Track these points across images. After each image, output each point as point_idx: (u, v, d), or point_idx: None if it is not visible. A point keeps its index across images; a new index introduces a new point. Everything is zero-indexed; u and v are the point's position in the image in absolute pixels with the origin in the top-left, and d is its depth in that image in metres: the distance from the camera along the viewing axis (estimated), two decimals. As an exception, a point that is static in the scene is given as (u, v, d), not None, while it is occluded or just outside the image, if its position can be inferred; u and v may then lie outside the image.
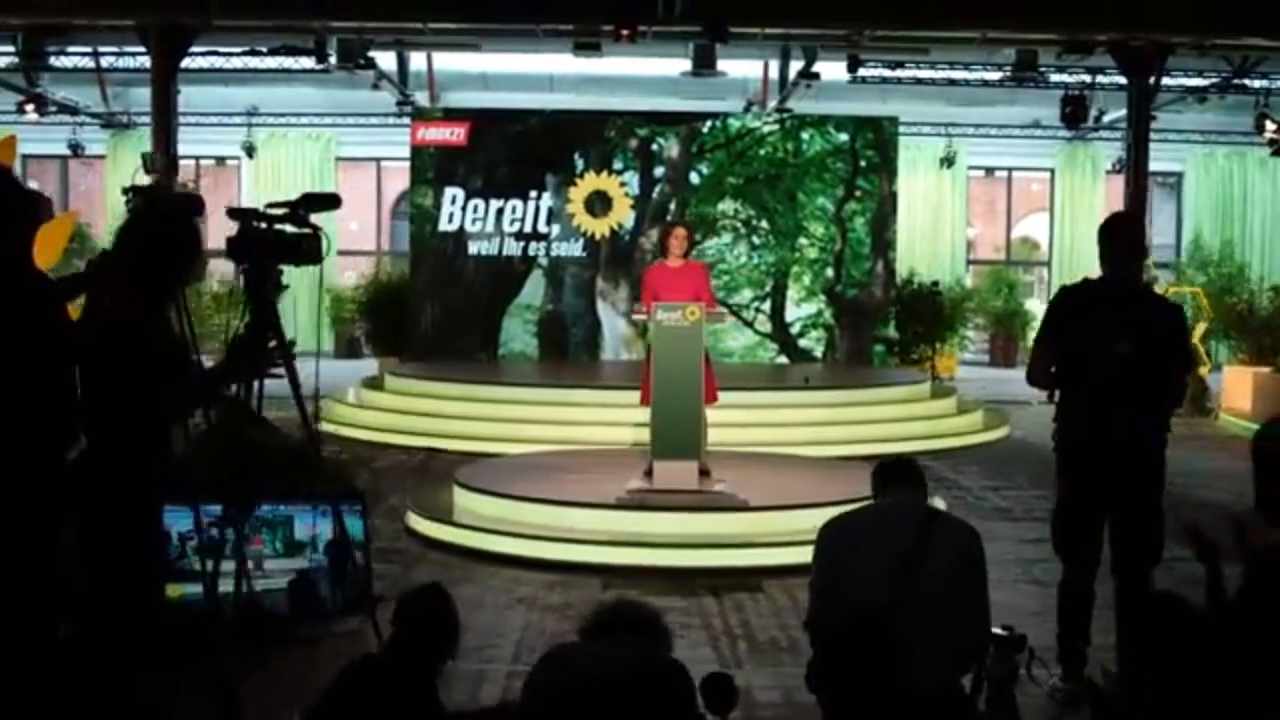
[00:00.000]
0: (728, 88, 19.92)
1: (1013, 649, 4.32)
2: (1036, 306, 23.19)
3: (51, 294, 4.00)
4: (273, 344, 4.35)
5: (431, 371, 13.75)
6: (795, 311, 16.06)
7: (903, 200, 22.27)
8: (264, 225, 4.20)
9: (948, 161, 21.62)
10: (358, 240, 24.31)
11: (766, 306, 16.04)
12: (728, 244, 15.97)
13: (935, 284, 17.37)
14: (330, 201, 4.41)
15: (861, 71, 15.94)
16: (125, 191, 4.36)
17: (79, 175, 23.98)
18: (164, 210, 4.14)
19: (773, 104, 19.17)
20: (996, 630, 4.39)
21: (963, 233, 23.14)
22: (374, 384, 13.68)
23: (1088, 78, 17.21)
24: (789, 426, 11.72)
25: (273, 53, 15.99)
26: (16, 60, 17.53)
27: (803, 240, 16.08)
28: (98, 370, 3.84)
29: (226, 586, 5.33)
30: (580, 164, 15.98)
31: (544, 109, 17.28)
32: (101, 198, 22.45)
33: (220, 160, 23.56)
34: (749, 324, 15.97)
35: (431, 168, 16.08)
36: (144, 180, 4.34)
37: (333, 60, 16.45)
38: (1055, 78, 17.46)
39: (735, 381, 13.35)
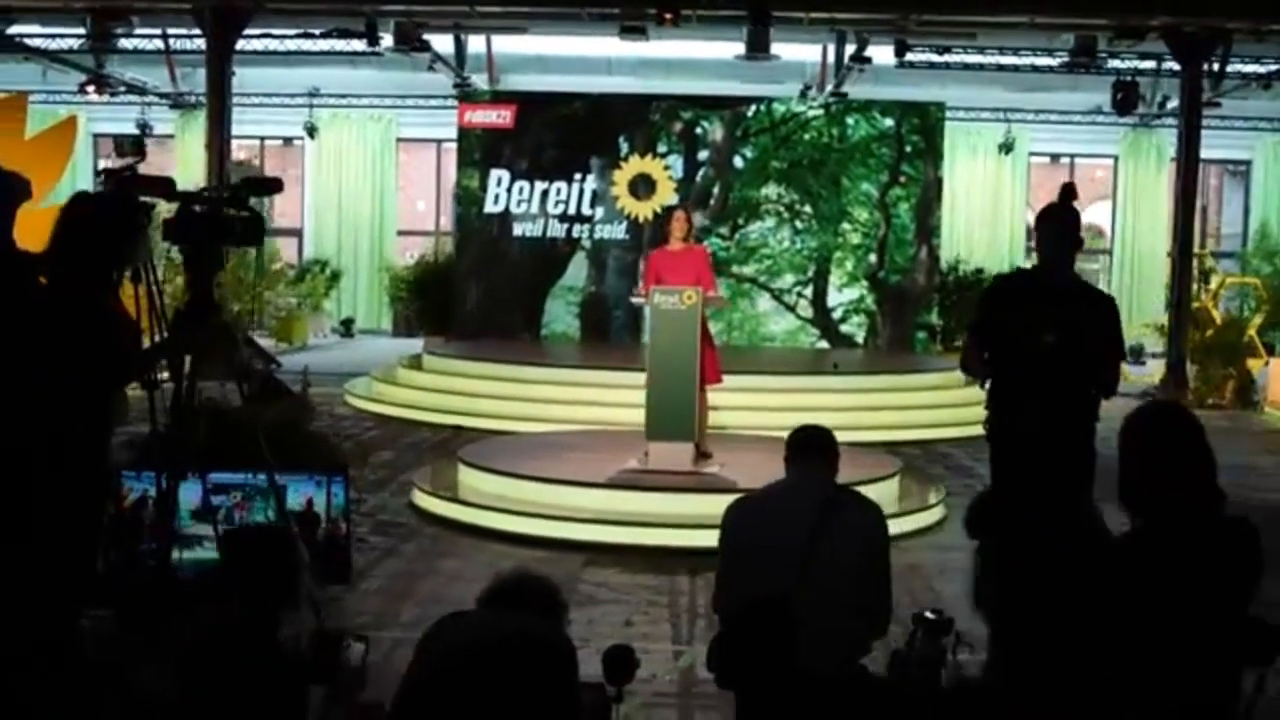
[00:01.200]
0: (785, 72, 19.88)
1: (939, 632, 4.37)
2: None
3: (31, 271, 4.23)
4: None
5: (465, 351, 13.97)
6: (837, 297, 16.04)
7: (961, 187, 22.20)
8: (204, 208, 4.34)
9: (1006, 148, 21.38)
10: (419, 220, 24.68)
11: (809, 292, 16.04)
12: (771, 228, 16.00)
13: (979, 271, 17.23)
14: (271, 185, 4.56)
15: (909, 56, 15.83)
16: (98, 174, 4.53)
17: (151, 154, 24.49)
18: (101, 196, 4.30)
19: (829, 89, 19.13)
20: (926, 614, 4.44)
21: (1022, 220, 22.87)
22: (414, 363, 13.91)
23: (1148, 64, 16.97)
24: (816, 411, 11.69)
25: (325, 35, 16.28)
26: (86, 41, 18.06)
27: (846, 225, 16.04)
28: (43, 350, 4.04)
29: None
30: (625, 147, 16.09)
31: (589, 92, 17.35)
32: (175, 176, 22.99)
33: (287, 141, 23.98)
34: (791, 309, 15.99)
35: (478, 150, 16.28)
36: (117, 163, 4.43)
37: (385, 43, 16.72)
38: (1115, 64, 17.24)
39: (766, 366, 13.48)
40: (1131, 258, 22.06)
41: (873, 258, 16.01)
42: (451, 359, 13.44)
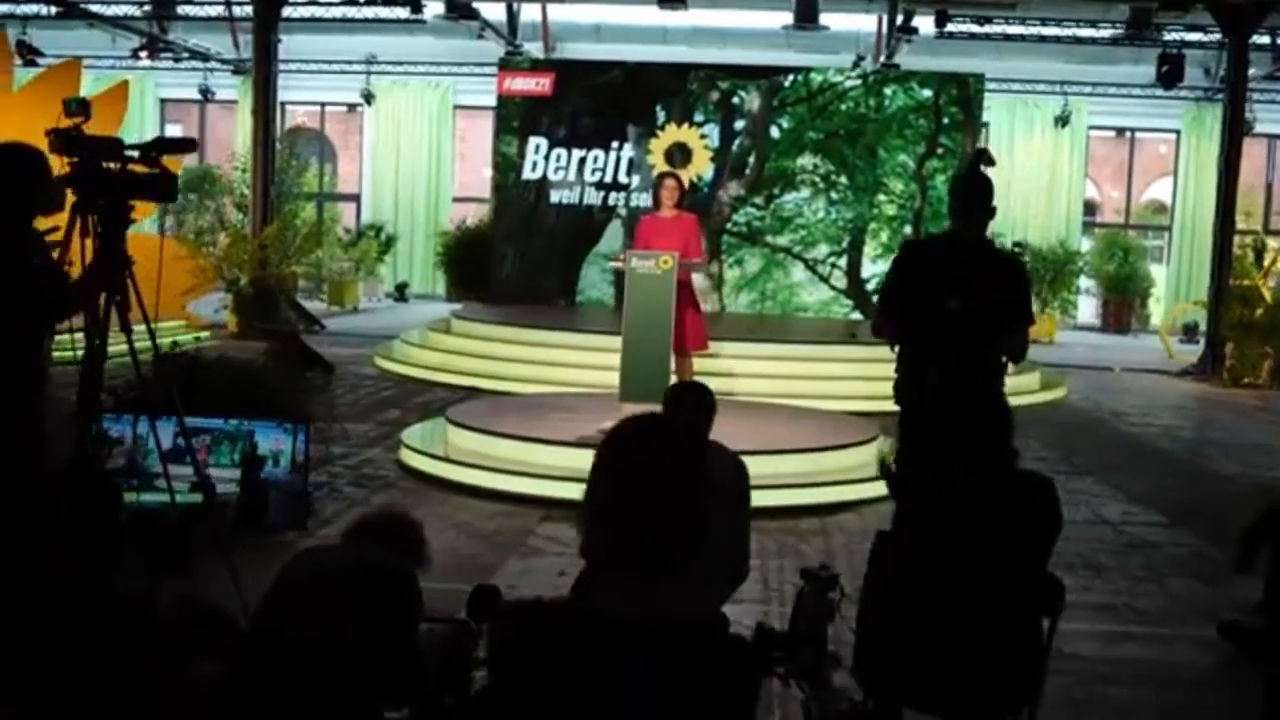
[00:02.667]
0: (838, 42, 19.81)
1: (826, 587, 4.48)
2: (1159, 272, 22.54)
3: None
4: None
5: (490, 315, 14.20)
6: (871, 268, 15.99)
7: (1018, 159, 21.95)
8: (116, 165, 4.56)
9: (1062, 121, 21.07)
10: (480, 187, 24.96)
11: (843, 263, 16.03)
12: (806, 199, 15.99)
13: (1018, 244, 17.05)
14: (183, 145, 4.76)
15: (950, 27, 15.70)
16: (48, 134, 4.76)
17: (218, 118, 25.10)
18: (9, 152, 4.54)
19: (881, 59, 19.02)
20: (813, 568, 4.55)
21: (1080, 194, 22.56)
22: (442, 326, 14.17)
23: (1212, 36, 16.63)
24: (830, 380, 11.80)
25: (369, 2, 16.55)
26: (148, 8, 18.54)
27: (881, 197, 15.98)
28: None
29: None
30: (662, 115, 16.16)
31: (626, 60, 17.43)
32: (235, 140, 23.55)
33: (351, 107, 24.38)
34: (825, 280, 15.99)
35: (517, 117, 16.46)
36: (65, 123, 4.68)
37: (428, 11, 16.97)
38: (1177, 35, 16.93)
39: (786, 335, 13.55)
40: (1192, 234, 21.62)
41: (908, 229, 15.93)
42: (476, 323, 13.67)
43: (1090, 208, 24.18)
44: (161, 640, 3.85)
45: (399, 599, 3.66)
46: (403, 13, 16.55)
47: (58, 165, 4.73)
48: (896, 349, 5.18)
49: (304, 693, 3.40)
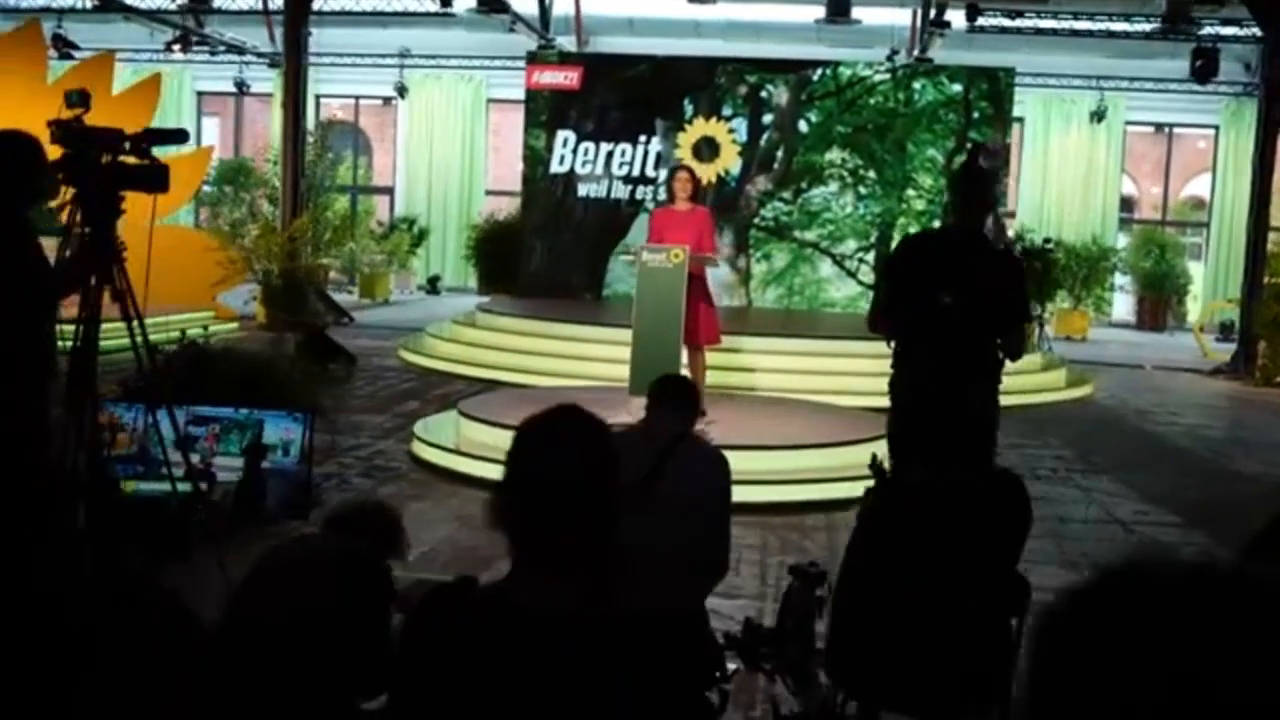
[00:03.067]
0: (872, 36, 19.71)
1: (813, 584, 4.46)
2: (1197, 270, 22.28)
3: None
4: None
5: (514, 308, 14.22)
6: (899, 264, 15.88)
7: (1053, 155, 21.76)
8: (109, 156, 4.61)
9: (1098, 116, 20.85)
10: (515, 181, 25.00)
11: (870, 258, 15.92)
12: (834, 193, 15.90)
13: (1048, 240, 16.90)
14: (176, 137, 4.79)
15: (981, 21, 15.57)
16: (49, 125, 4.82)
17: (256, 111, 25.30)
18: (16, 149, 4.59)
19: (915, 53, 18.91)
20: (802, 565, 4.54)
21: (1116, 190, 22.32)
22: (467, 319, 14.21)
23: (1250, 31, 16.40)
24: (853, 376, 11.73)
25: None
26: (184, 1, 18.71)
27: (910, 191, 15.86)
28: None
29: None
30: (689, 109, 16.11)
31: (654, 54, 17.42)
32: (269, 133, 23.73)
33: (386, 100, 24.47)
34: (852, 275, 15.90)
35: (545, 110, 16.47)
36: (65, 114, 4.75)
37: (461, 4, 17.01)
38: (1213, 30, 16.72)
39: (805, 330, 13.50)
40: (1230, 231, 21.32)
41: (937, 224, 15.78)
42: (500, 316, 13.71)
43: (1128, 204, 23.94)
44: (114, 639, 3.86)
45: (371, 588, 3.67)
46: (433, 5, 16.56)
47: (53, 154, 4.79)
48: (893, 344, 5.14)
49: (274, 682, 3.41)
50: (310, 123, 17.95)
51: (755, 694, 4.60)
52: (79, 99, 5.11)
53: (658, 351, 8.03)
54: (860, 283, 15.92)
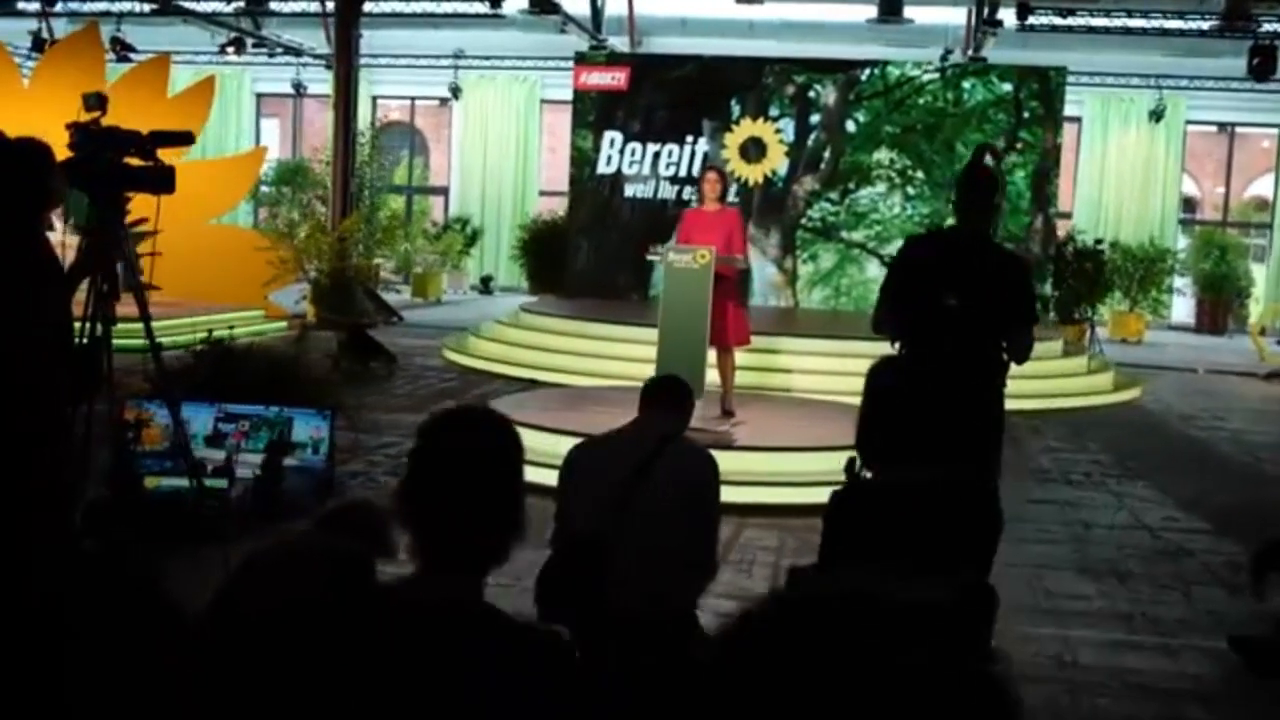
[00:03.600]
0: (927, 35, 19.55)
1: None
2: (1260, 272, 21.87)
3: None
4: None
5: (556, 308, 14.27)
6: (948, 265, 15.74)
7: (1111, 155, 21.46)
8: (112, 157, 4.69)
9: (1157, 115, 20.53)
10: (562, 182, 25.11)
11: (919, 259, 15.78)
12: (881, 194, 15.79)
13: (1099, 241, 16.66)
14: (179, 139, 4.86)
15: (1032, 20, 15.39)
16: (67, 127, 4.92)
17: (315, 112, 25.61)
18: (14, 151, 4.67)
19: (969, 53, 18.72)
20: (802, 566, 4.51)
21: (1176, 191, 21.95)
22: (511, 319, 14.28)
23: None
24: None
25: (449, -2, 16.74)
26: (240, 4, 18.98)
27: (959, 192, 15.70)
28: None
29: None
30: (737, 110, 16.08)
31: (701, 54, 17.40)
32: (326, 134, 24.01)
33: (443, 102, 24.67)
34: (900, 276, 15.76)
35: (592, 111, 16.51)
36: (84, 118, 4.85)
37: (514, 5, 17.09)
38: (1271, 27, 16.40)
39: (846, 331, 13.41)
40: (1294, 233, 20.97)
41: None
42: (542, 315, 13.76)
43: (1189, 204, 23.54)
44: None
45: (355, 583, 3.71)
46: (483, 8, 16.68)
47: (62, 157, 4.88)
48: (897, 346, 5.09)
49: (256, 676, 3.47)
50: (362, 123, 18.12)
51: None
52: (96, 101, 5.20)
53: (683, 352, 8.03)
54: (908, 284, 15.78)
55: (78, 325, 4.92)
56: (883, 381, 3.45)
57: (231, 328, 12.41)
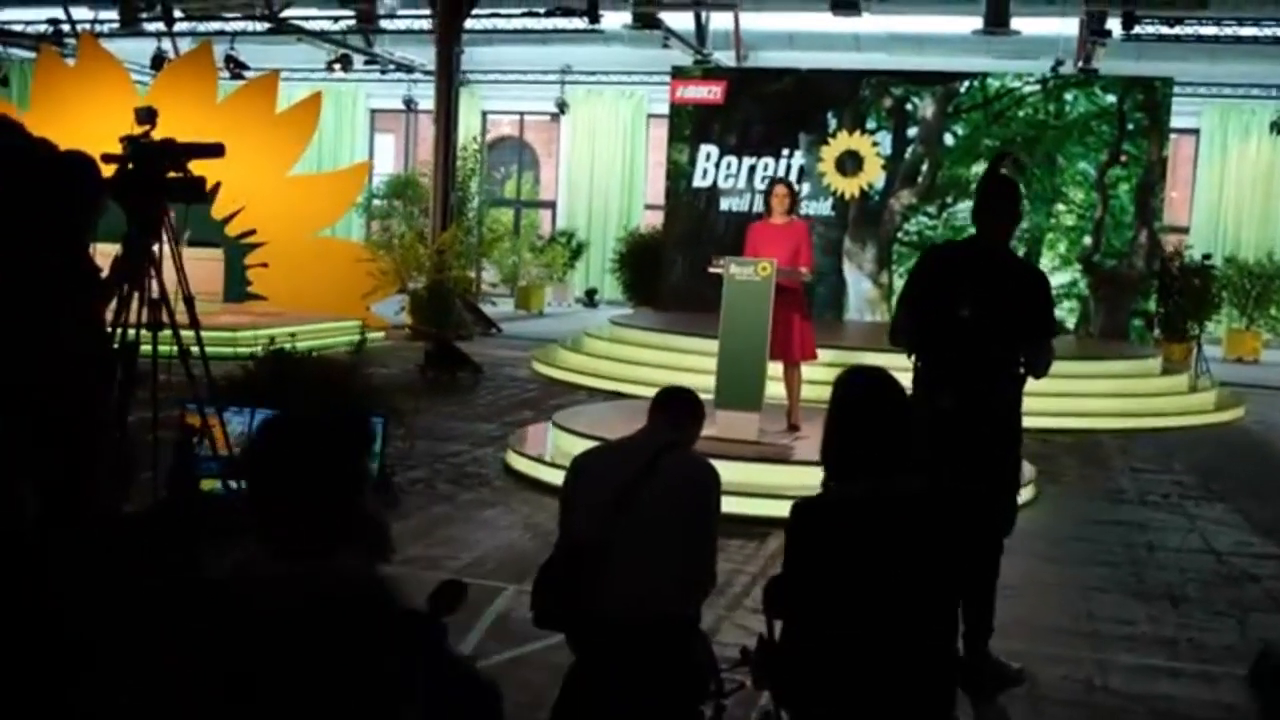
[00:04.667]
0: (1039, 46, 19.19)
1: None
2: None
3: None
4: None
5: (645, 321, 14.33)
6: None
7: (1230, 167, 20.80)
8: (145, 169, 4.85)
9: (1278, 127, 19.81)
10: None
11: (1018, 274, 15.48)
12: (980, 208, 15.49)
13: (1207, 257, 16.13)
14: (211, 151, 4.99)
15: (1138, 29, 15.02)
16: (121, 140, 5.11)
17: (427, 127, 26.06)
18: (67, 163, 4.84)
19: (1080, 64, 18.34)
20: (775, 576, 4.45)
21: (1300, 204, 21.18)
22: (601, 332, 14.36)
23: None
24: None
25: (548, 14, 16.93)
26: (351, 22, 19.47)
27: (1060, 206, 15.39)
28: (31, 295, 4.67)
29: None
30: (833, 123, 15.97)
31: (798, 68, 17.32)
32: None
33: (553, 116, 24.95)
34: (998, 291, 15.48)
35: (689, 125, 16.54)
36: (136, 131, 5.06)
37: (617, 20, 17.23)
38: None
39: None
40: None
41: (1088, 240, 15.31)
42: (629, 328, 13.82)
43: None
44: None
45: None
46: (583, 24, 16.84)
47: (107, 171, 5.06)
48: (913, 358, 5.01)
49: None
50: (463, 137, 18.38)
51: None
52: (147, 116, 5.37)
53: (743, 364, 8.01)
54: (1007, 299, 15.49)
55: (122, 332, 5.08)
56: (844, 393, 3.39)
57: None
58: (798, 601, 3.33)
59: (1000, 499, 4.90)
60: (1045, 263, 15.44)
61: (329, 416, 2.26)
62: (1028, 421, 10.57)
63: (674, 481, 4.09)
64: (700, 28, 20.39)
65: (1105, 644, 5.40)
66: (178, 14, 17.99)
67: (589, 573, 3.99)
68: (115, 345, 4.87)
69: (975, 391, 4.77)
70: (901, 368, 4.91)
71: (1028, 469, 8.62)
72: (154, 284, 4.92)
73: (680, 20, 19.74)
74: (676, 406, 4.44)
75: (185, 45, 19.82)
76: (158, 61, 18.74)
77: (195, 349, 5.49)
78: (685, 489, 4.12)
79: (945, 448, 4.84)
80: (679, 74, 17.05)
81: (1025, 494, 8.14)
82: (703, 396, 8.82)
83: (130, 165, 4.89)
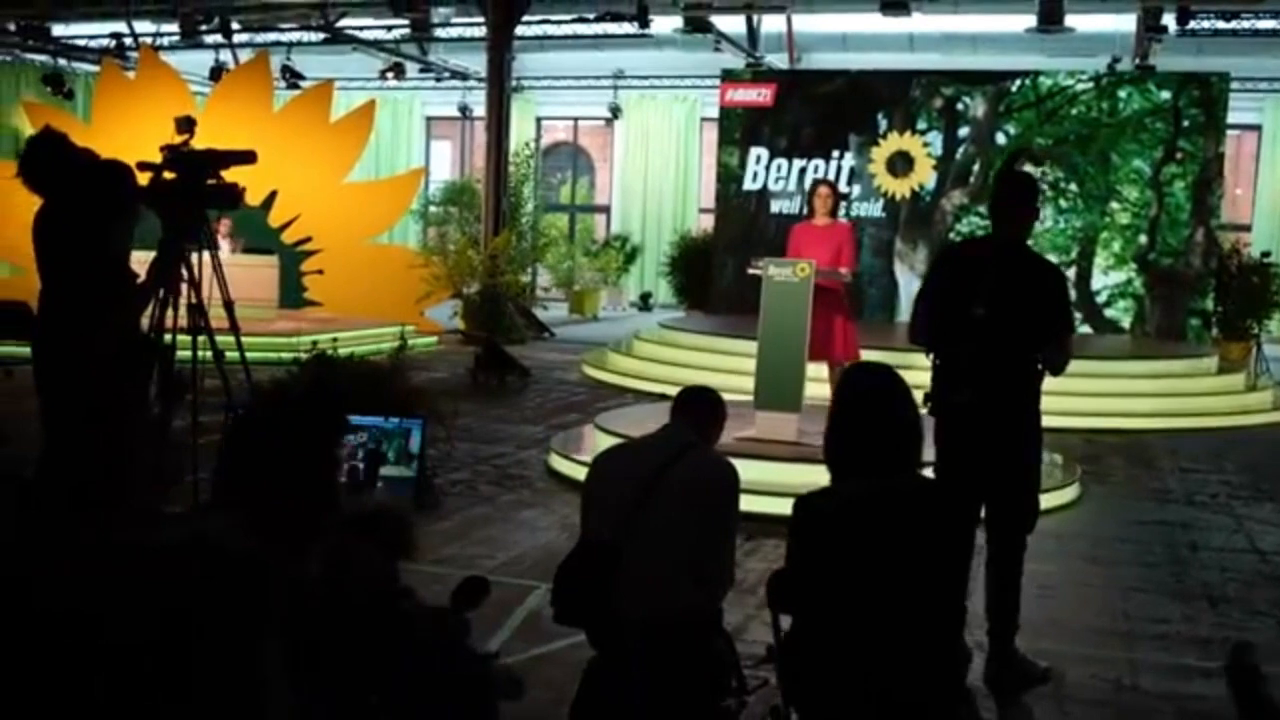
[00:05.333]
0: (1095, 44, 18.99)
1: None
2: None
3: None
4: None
5: (693, 324, 14.36)
6: (1103, 280, 15.28)
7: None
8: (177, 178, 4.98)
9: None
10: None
11: (1072, 274, 15.33)
12: (1033, 207, 15.36)
13: (1266, 254, 15.86)
14: (244, 158, 5.10)
15: (1193, 25, 14.82)
16: (162, 150, 5.25)
17: (482, 134, 26.22)
18: (106, 173, 4.98)
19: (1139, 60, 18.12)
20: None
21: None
22: (652, 335, 14.41)
23: None
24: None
25: (598, 19, 17.01)
26: (406, 30, 19.67)
27: (1114, 204, 15.23)
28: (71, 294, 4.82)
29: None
30: (884, 124, 15.92)
31: (848, 69, 17.28)
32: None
33: (607, 121, 25.04)
34: (1052, 291, 15.33)
35: (738, 128, 16.56)
36: (176, 140, 5.20)
37: (668, 24, 17.28)
38: None
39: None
40: None
41: (1143, 239, 15.13)
42: (678, 331, 13.86)
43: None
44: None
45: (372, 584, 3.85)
46: (632, 28, 16.91)
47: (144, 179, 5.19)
48: (931, 356, 5.01)
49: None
50: (517, 143, 18.52)
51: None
52: (185, 125, 5.51)
53: (782, 366, 8.01)
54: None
55: (158, 336, 5.21)
56: (847, 391, 3.42)
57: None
58: (802, 596, 3.36)
59: (1019, 496, 4.88)
60: (1100, 261, 15.31)
61: (297, 406, 2.33)
62: (1076, 422, 10.57)
63: (693, 480, 4.13)
64: (752, 31, 20.38)
65: (1138, 643, 5.37)
66: (235, 26, 18.29)
67: (607, 570, 4.04)
68: (152, 349, 4.99)
69: (992, 389, 4.76)
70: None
71: (1072, 469, 8.58)
72: (191, 290, 5.04)
73: (732, 24, 19.75)
74: (697, 406, 4.47)
75: (243, 56, 20.16)
76: (216, 73, 19.07)
77: (235, 354, 5.62)
78: (704, 487, 4.15)
79: (962, 445, 4.86)
80: (728, 77, 17.08)
81: (1069, 494, 8.11)
82: (745, 398, 8.89)
83: (167, 173, 5.00)
